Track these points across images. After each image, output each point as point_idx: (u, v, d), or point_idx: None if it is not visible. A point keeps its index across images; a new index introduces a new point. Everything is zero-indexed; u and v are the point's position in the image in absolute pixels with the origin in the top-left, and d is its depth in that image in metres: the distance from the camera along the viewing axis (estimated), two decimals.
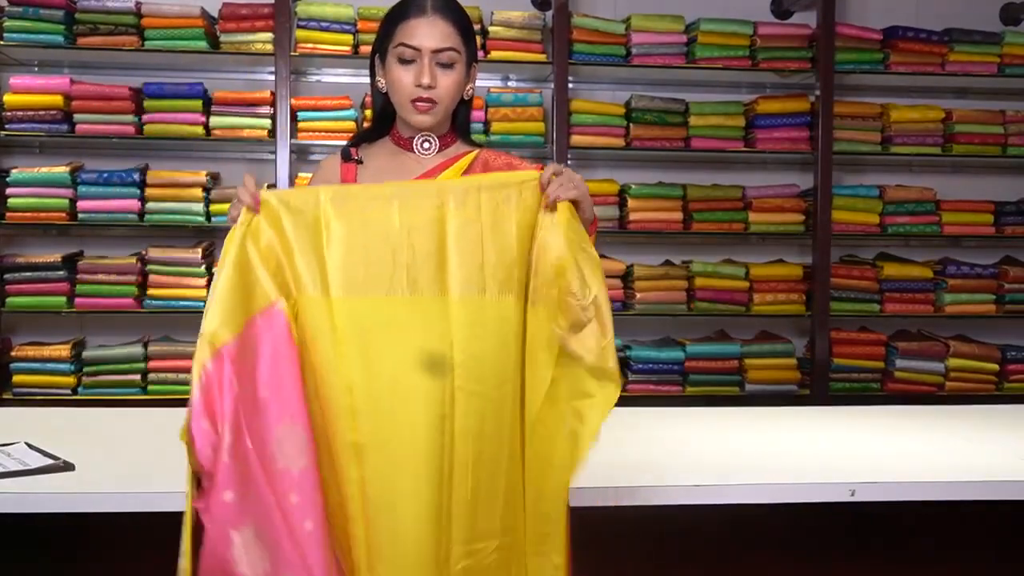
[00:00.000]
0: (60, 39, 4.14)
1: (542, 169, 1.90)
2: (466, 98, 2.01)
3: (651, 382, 4.39)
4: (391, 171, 1.98)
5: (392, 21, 1.95)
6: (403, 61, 1.92)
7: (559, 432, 1.79)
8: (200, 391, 1.66)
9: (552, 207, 1.80)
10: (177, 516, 2.11)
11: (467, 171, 1.97)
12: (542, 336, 1.80)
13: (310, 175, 4.21)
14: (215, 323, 1.68)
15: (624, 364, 4.41)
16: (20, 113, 4.14)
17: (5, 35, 4.12)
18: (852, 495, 2.24)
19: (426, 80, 1.90)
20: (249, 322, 1.71)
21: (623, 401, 4.51)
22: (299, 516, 1.67)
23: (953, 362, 4.54)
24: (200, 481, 1.68)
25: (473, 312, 1.76)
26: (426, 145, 1.99)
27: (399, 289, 1.75)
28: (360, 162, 2.00)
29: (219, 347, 1.67)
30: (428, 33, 1.90)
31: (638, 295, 4.38)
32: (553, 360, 1.79)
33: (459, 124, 2.04)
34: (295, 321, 1.74)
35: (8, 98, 4.15)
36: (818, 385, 4.44)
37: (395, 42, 1.92)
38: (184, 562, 1.66)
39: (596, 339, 1.77)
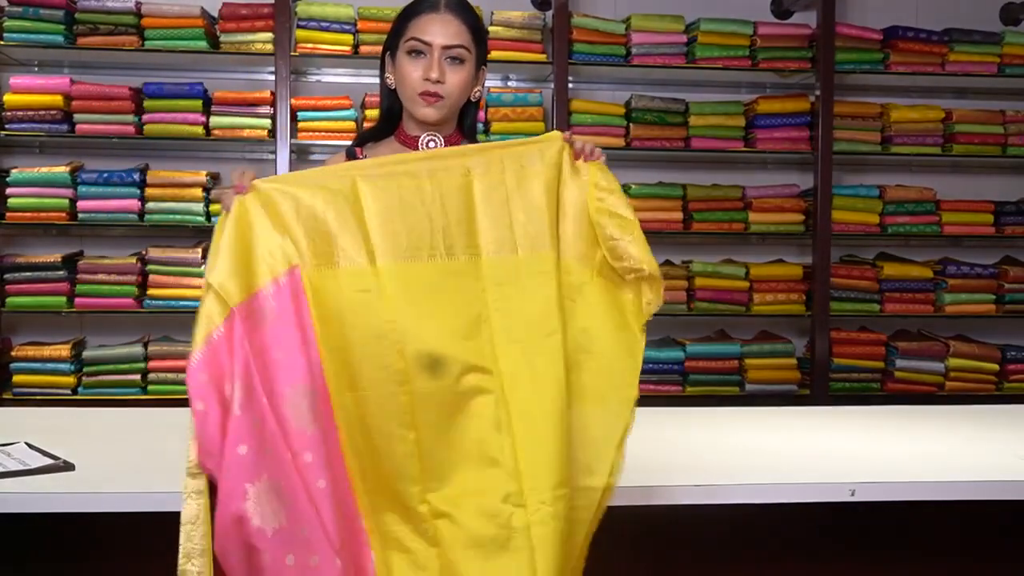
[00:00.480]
0: (60, 39, 4.14)
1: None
2: (473, 99, 2.03)
3: (651, 382, 4.39)
4: None
5: (405, 17, 1.98)
6: (413, 55, 1.94)
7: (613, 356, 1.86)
8: (206, 346, 1.67)
9: (585, 159, 1.87)
10: (173, 515, 2.12)
11: None
12: (575, 284, 1.85)
13: None
14: (223, 276, 1.71)
15: None
16: (20, 113, 4.14)
17: (5, 35, 4.12)
18: (852, 495, 2.24)
19: (434, 74, 1.92)
20: (264, 286, 1.73)
21: None
22: (313, 475, 1.69)
23: (953, 362, 4.54)
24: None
25: (506, 271, 1.81)
26: (431, 144, 2.00)
27: (438, 254, 1.79)
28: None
29: (232, 307, 1.70)
30: (440, 29, 1.93)
31: None
32: (588, 306, 1.85)
33: (466, 126, 2.06)
34: (340, 290, 1.76)
35: (8, 98, 4.15)
36: (818, 385, 4.44)
37: (406, 36, 1.95)
38: (204, 528, 1.69)
39: (640, 251, 1.85)
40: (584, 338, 1.84)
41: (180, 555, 1.68)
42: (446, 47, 1.93)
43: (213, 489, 1.69)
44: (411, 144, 2.01)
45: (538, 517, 1.73)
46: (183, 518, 1.69)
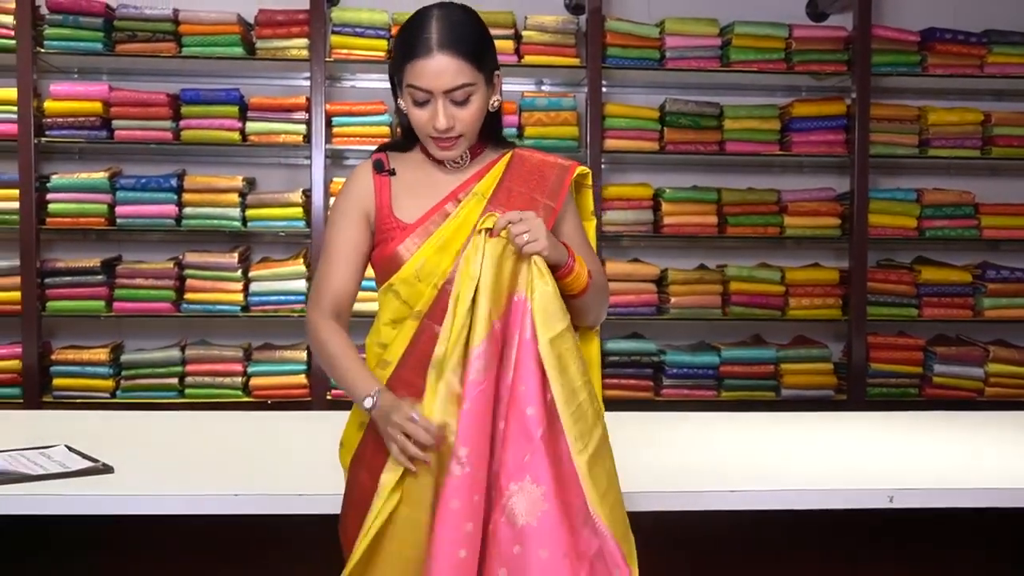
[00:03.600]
0: (99, 46, 4.19)
1: (578, 166, 1.96)
2: (492, 110, 1.94)
3: (686, 387, 4.37)
4: (425, 185, 1.94)
5: (401, 55, 1.88)
6: (417, 103, 1.87)
7: None
8: None
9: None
10: (211, 517, 2.13)
11: (504, 175, 1.95)
12: None
13: (344, 180, 4.25)
14: None
15: (658, 368, 4.40)
16: (60, 119, 4.20)
17: (46, 43, 4.17)
18: (890, 501, 2.22)
19: (441, 124, 1.85)
20: None
21: (658, 406, 4.49)
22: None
23: (993, 367, 4.49)
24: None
25: None
26: (455, 161, 1.97)
27: None
28: (393, 173, 1.97)
29: None
30: (437, 73, 1.83)
31: (672, 299, 4.36)
32: None
33: (488, 132, 1.98)
34: None
35: (49, 104, 4.20)
36: (855, 390, 4.40)
37: (406, 81, 1.87)
38: None
39: None
40: None
41: None
42: (448, 91, 1.84)
43: None
44: (435, 159, 1.98)
45: None
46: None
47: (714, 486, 2.28)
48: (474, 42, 1.87)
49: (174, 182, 4.24)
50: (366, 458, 1.89)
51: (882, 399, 4.45)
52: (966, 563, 2.56)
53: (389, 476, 1.77)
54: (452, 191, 1.93)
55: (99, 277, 4.22)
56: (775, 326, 4.60)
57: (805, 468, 2.49)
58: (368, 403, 1.81)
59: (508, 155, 1.98)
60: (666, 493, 2.24)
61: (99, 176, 4.22)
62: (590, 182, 2.05)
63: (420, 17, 1.87)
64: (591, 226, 2.06)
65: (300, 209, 4.27)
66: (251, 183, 4.39)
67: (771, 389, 4.44)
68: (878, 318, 4.49)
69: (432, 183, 1.94)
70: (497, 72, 1.94)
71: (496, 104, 1.95)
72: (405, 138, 2.01)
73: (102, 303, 4.23)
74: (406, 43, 1.86)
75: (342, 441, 1.99)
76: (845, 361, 4.49)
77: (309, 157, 4.24)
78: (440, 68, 1.83)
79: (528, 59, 4.30)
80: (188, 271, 4.26)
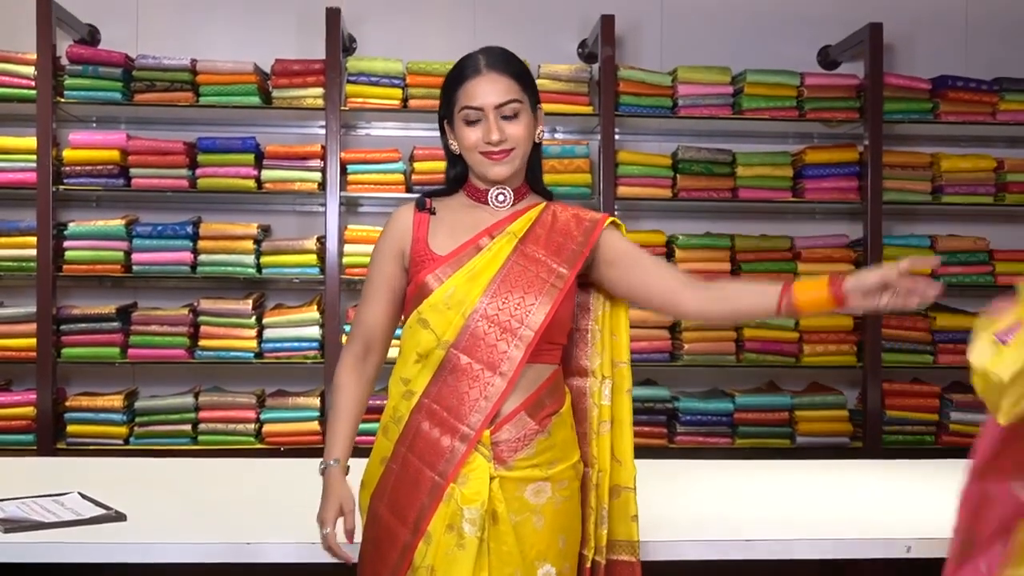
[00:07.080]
0: (118, 96, 4.24)
1: (609, 216, 2.02)
2: (537, 141, 2.04)
3: (700, 434, 4.35)
4: (464, 224, 2.00)
5: (452, 86, 1.99)
6: (470, 123, 1.96)
7: None
8: None
9: None
10: (224, 566, 2.12)
11: (536, 222, 1.99)
12: None
13: (359, 227, 4.29)
14: None
15: (672, 415, 4.38)
16: (78, 168, 4.24)
17: (66, 93, 4.23)
18: (908, 551, 2.19)
19: (495, 136, 1.94)
20: None
21: (672, 453, 4.45)
22: None
23: None
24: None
25: None
26: (500, 198, 2.01)
27: None
28: (433, 213, 2.03)
29: None
30: (488, 91, 1.94)
31: (686, 345, 4.35)
32: None
33: (531, 173, 2.06)
34: None
35: (67, 153, 4.25)
36: (871, 438, 4.37)
37: (459, 106, 1.96)
38: None
39: None
40: None
41: None
42: (499, 106, 1.94)
43: None
44: (480, 198, 2.02)
45: None
46: None
47: (729, 535, 2.26)
48: (518, 66, 2.00)
49: (190, 229, 4.27)
50: (387, 492, 1.91)
51: (898, 447, 4.42)
52: None
53: None
54: (487, 228, 1.99)
55: (114, 324, 4.23)
56: (789, 373, 4.58)
57: (821, 517, 2.47)
58: (320, 466, 1.96)
59: (543, 204, 2.03)
60: (680, 542, 2.22)
61: (116, 223, 4.26)
62: (625, 233, 2.08)
63: (465, 56, 2.01)
64: None
65: (314, 256, 4.29)
66: (266, 230, 4.42)
67: (786, 436, 4.41)
68: (893, 365, 4.46)
69: (470, 222, 2.00)
70: (539, 105, 2.05)
71: (540, 136, 2.05)
72: (452, 183, 2.06)
73: (117, 350, 4.24)
74: (454, 77, 1.99)
75: (363, 481, 2.00)
76: (860, 408, 4.46)
77: (324, 204, 4.27)
78: (491, 84, 1.95)
79: (542, 107, 4.32)
80: (203, 318, 4.27)
